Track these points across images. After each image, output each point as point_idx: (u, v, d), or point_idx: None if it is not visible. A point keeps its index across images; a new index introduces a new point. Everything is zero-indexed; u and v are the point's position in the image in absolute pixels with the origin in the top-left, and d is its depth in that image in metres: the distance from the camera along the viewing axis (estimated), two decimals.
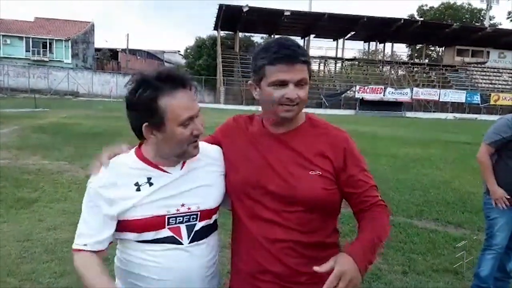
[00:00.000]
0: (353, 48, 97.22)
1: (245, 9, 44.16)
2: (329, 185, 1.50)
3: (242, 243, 1.60)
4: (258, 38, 58.74)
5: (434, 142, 16.86)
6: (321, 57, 56.49)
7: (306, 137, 1.55)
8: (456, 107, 48.44)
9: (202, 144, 1.55)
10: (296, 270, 1.50)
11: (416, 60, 62.37)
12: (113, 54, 61.13)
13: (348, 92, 46.97)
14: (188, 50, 59.87)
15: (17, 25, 48.47)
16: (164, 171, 1.48)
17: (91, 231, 1.45)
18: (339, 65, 57.45)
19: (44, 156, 9.63)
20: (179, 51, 73.36)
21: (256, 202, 1.52)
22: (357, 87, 46.00)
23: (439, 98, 47.26)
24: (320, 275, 1.31)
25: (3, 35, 46.94)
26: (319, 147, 1.52)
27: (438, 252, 4.71)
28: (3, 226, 5.00)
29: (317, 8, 77.75)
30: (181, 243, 1.47)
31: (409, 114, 45.20)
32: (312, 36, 55.53)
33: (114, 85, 45.59)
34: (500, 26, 63.10)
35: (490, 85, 52.94)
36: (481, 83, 53.30)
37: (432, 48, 69.65)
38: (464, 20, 65.17)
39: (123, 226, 1.46)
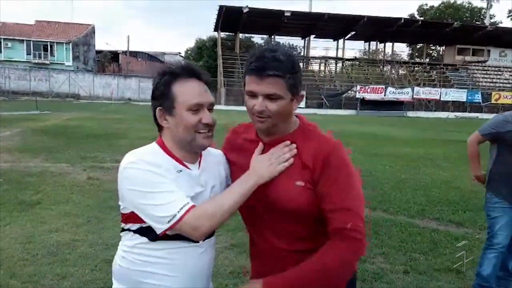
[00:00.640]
0: (353, 48, 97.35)
1: (245, 10, 44.21)
2: (313, 196, 1.43)
3: (251, 248, 1.69)
4: (258, 39, 58.86)
5: (436, 141, 16.86)
6: (321, 57, 56.53)
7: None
8: (457, 106, 48.45)
9: (210, 149, 1.61)
10: None
11: (417, 60, 62.38)
12: (114, 56, 61.24)
13: (349, 92, 47.00)
14: (189, 52, 60.02)
15: (18, 28, 48.66)
16: (187, 167, 1.51)
17: (180, 193, 1.39)
18: (339, 65, 57.48)
19: (46, 158, 9.65)
20: (179, 53, 73.55)
21: (250, 208, 1.54)
22: (358, 87, 46.02)
23: (440, 97, 47.26)
24: None
25: (4, 39, 47.13)
26: (304, 156, 1.46)
27: (439, 251, 4.71)
28: (6, 228, 5.01)
29: (317, 8, 77.96)
30: (197, 241, 1.49)
31: (410, 113, 45.19)
32: (312, 36, 55.60)
33: (115, 87, 45.71)
34: (500, 25, 63.15)
35: (491, 84, 52.90)
36: (482, 82, 53.24)
37: (433, 47, 69.64)
38: (464, 19, 65.17)
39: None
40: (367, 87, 46.06)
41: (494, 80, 54.20)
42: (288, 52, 1.49)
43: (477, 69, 56.01)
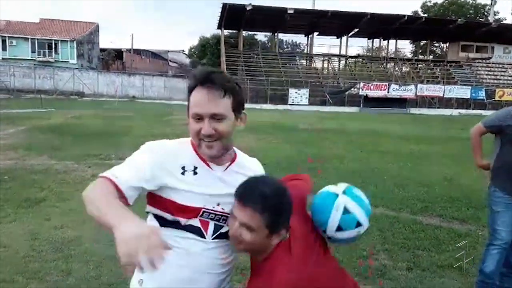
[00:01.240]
0: (357, 45, 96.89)
1: (248, 8, 44.09)
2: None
3: None
4: (262, 36, 58.77)
5: (439, 138, 16.82)
6: (325, 55, 56.40)
7: None
8: (461, 103, 48.16)
9: (245, 156, 1.67)
10: None
11: (420, 57, 62.05)
12: (118, 54, 61.27)
13: (352, 89, 46.81)
14: (192, 49, 60.03)
15: (23, 27, 48.72)
16: (209, 166, 1.54)
17: (129, 173, 1.44)
18: (343, 62, 57.30)
19: (50, 156, 9.71)
20: (183, 51, 73.63)
21: None
22: (361, 84, 45.83)
23: (443, 94, 47.00)
24: None
25: (9, 37, 47.19)
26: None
27: (443, 248, 4.72)
28: (11, 225, 5.06)
29: (321, 5, 77.74)
30: (204, 237, 1.52)
31: (414, 110, 44.97)
32: (315, 33, 55.39)
33: (119, 85, 45.71)
34: (504, 22, 62.70)
35: (495, 81, 52.56)
36: (486, 78, 52.91)
37: (437, 44, 69.27)
38: (468, 15, 64.76)
39: (159, 203, 1.51)
40: (370, 84, 45.88)
41: (498, 77, 53.85)
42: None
43: (481, 66, 55.67)
